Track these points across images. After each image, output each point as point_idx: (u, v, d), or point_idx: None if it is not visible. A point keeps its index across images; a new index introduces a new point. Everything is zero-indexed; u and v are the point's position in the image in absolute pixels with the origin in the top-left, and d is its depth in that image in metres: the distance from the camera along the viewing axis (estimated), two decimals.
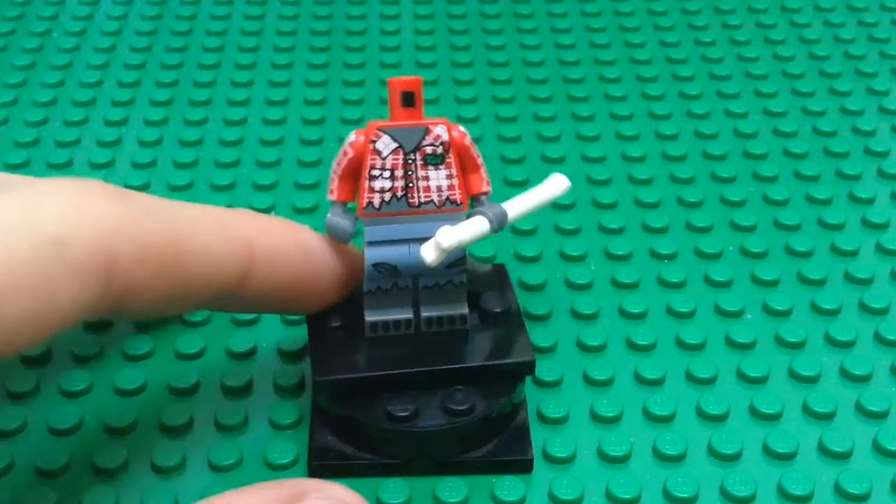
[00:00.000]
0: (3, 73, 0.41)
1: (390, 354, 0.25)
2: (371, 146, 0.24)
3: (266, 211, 0.33)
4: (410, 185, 0.24)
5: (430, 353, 0.25)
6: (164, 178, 0.35)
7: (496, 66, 0.41)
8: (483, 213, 0.24)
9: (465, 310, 0.25)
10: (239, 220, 0.23)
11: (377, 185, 0.24)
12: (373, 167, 0.24)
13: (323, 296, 0.25)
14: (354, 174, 0.24)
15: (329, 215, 0.24)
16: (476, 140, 0.37)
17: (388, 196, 0.24)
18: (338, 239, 0.24)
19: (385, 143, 0.24)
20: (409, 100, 0.24)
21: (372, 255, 0.24)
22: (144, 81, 0.40)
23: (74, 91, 0.40)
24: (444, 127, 0.24)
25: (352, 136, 0.24)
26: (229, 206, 0.33)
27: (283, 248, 0.24)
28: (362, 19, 0.44)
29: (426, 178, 0.24)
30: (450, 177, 0.24)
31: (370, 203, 0.24)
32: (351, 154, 0.24)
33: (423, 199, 0.24)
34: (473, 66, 0.41)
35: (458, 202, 0.24)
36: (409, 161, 0.24)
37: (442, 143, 0.24)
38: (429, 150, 0.24)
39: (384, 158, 0.24)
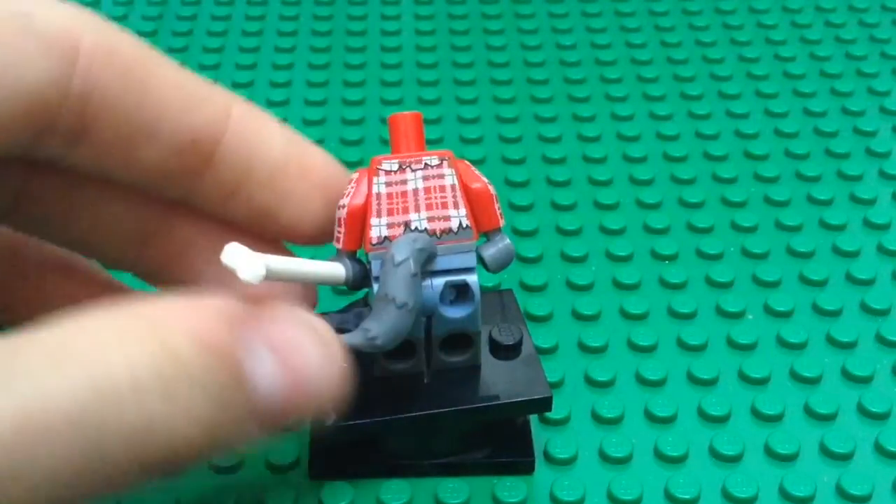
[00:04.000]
0: None
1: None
2: None
3: None
4: None
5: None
6: None
7: (497, 66, 0.41)
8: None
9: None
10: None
11: None
12: None
13: (308, 202, 0.23)
14: None
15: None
16: (477, 140, 0.37)
17: None
18: None
19: None
20: None
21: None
22: None
23: None
24: None
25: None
26: None
27: (264, 119, 0.23)
28: (363, 20, 0.44)
29: None
30: None
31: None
32: None
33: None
34: (474, 67, 0.41)
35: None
36: None
37: None
38: None
39: None
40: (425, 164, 0.23)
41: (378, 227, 0.22)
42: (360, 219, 0.22)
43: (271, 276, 0.20)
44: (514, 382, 0.24)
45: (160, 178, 0.22)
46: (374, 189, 0.22)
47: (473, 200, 0.23)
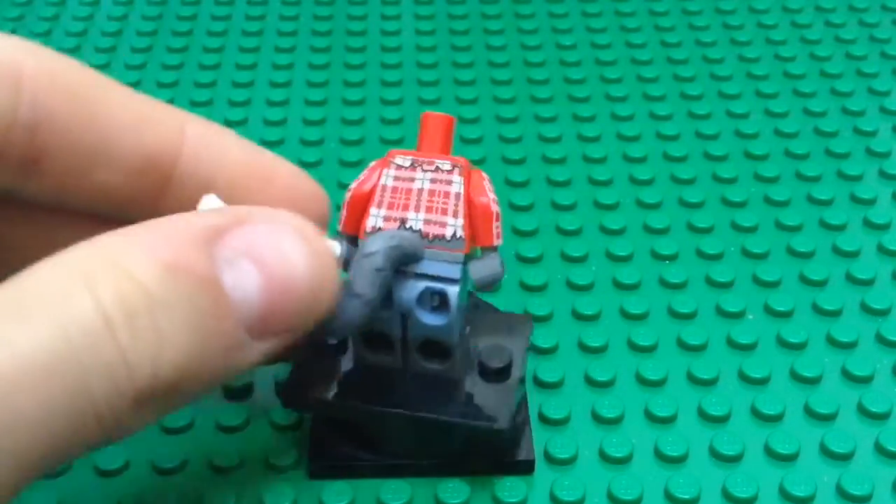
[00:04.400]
0: None
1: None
2: None
3: None
4: None
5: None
6: None
7: (497, 66, 0.41)
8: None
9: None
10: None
11: None
12: None
13: None
14: None
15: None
16: (477, 140, 0.37)
17: None
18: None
19: None
20: None
21: None
22: (145, 82, 0.40)
23: None
24: None
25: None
26: None
27: (221, 134, 0.23)
28: (363, 20, 0.44)
29: None
30: None
31: None
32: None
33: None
34: (474, 67, 0.41)
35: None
36: None
37: None
38: None
39: None
40: (437, 167, 0.23)
41: (375, 217, 0.23)
42: (361, 205, 0.23)
43: None
44: (479, 405, 0.24)
45: (120, 202, 0.21)
46: (382, 180, 0.23)
47: (474, 214, 0.22)
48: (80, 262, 0.17)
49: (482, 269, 0.22)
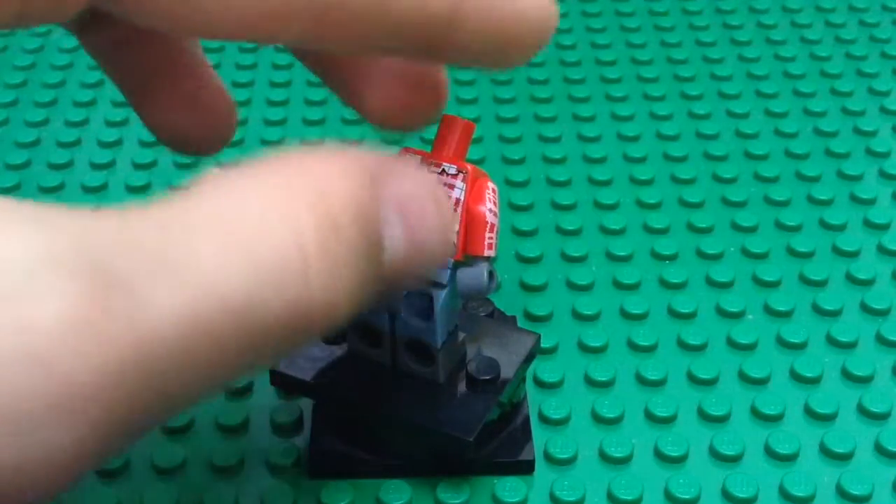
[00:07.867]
0: (3, 73, 0.41)
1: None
2: None
3: None
4: None
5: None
6: (164, 179, 0.35)
7: None
8: None
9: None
10: None
11: None
12: None
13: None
14: None
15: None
16: (477, 141, 0.37)
17: None
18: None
19: None
20: None
21: None
22: None
23: (75, 91, 0.40)
24: None
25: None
26: None
27: None
28: None
29: None
30: None
31: None
32: None
33: None
34: None
35: None
36: None
37: None
38: None
39: None
40: (443, 170, 0.23)
41: None
42: None
43: None
44: (454, 413, 0.23)
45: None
46: None
47: (469, 221, 0.22)
48: (285, 185, 0.15)
49: (467, 277, 0.22)
